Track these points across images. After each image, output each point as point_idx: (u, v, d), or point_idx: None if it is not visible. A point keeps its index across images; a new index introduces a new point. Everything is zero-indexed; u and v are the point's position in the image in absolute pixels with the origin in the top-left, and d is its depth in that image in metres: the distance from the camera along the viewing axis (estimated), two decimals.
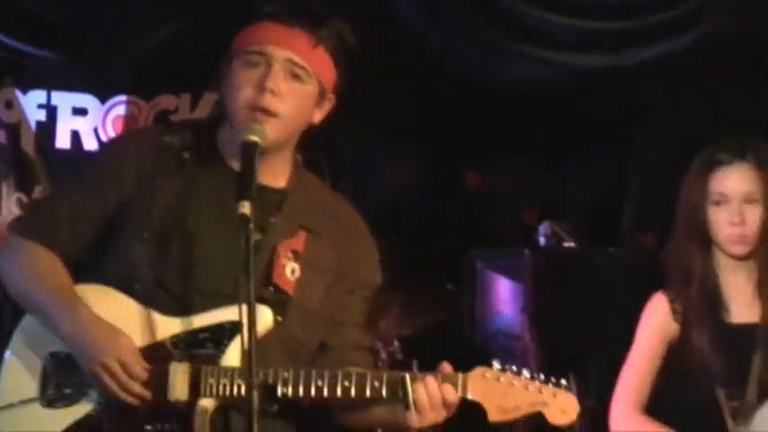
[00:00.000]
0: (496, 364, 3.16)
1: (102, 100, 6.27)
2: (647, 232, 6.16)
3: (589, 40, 5.98)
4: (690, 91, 6.36)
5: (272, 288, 3.17)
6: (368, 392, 3.13)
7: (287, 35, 3.20)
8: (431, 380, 3.11)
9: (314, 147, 5.33)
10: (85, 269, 3.29)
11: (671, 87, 6.36)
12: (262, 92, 3.14)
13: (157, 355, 3.13)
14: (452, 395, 3.11)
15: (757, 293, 4.18)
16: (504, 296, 6.00)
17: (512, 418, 3.17)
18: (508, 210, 6.60)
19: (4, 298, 3.37)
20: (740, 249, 4.17)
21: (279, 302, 3.19)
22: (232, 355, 3.11)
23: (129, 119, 6.21)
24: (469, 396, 3.13)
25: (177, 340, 3.16)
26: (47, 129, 6.25)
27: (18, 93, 6.22)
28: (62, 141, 6.24)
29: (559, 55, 5.99)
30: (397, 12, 5.95)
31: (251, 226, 2.89)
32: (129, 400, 3.10)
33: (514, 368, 3.17)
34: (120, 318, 3.17)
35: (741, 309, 4.21)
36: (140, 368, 3.10)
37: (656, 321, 4.26)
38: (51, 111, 6.25)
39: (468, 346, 6.00)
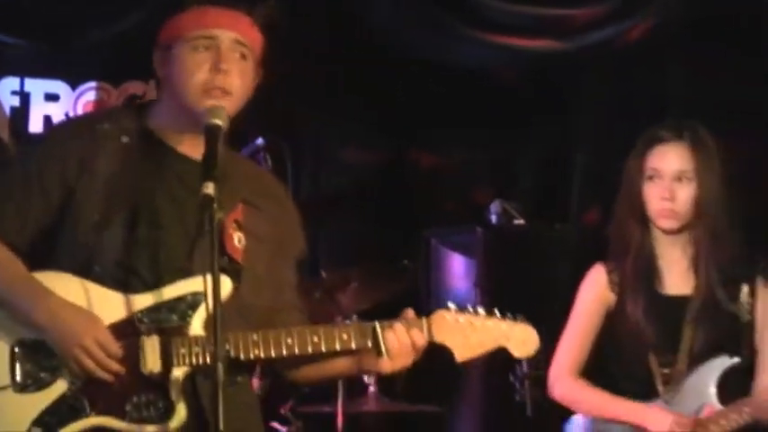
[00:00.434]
0: (452, 305, 3.23)
1: (73, 86, 6.27)
2: (591, 209, 6.20)
3: (536, 25, 6.09)
4: (631, 73, 6.40)
5: (226, 258, 3.20)
6: (337, 345, 3.21)
7: (231, 17, 3.26)
8: (399, 326, 3.18)
9: (275, 130, 5.33)
10: (33, 260, 3.27)
11: (613, 70, 6.41)
12: (217, 73, 3.19)
13: (125, 331, 3.16)
14: (421, 339, 3.19)
15: (691, 267, 4.26)
16: (458, 271, 6.07)
17: (477, 355, 3.24)
18: (461, 189, 6.58)
19: None
20: (669, 224, 4.24)
21: (233, 271, 3.22)
22: (196, 325, 3.16)
23: (98, 104, 6.22)
24: (435, 338, 3.21)
25: (143, 316, 3.19)
26: (20, 114, 6.24)
27: None
28: (35, 126, 6.23)
29: (508, 39, 6.10)
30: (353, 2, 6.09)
31: (215, 205, 2.93)
32: (107, 377, 3.14)
33: (470, 308, 3.25)
34: (83, 300, 3.19)
35: (675, 281, 4.29)
36: (115, 346, 3.13)
37: (594, 291, 4.33)
38: (25, 97, 6.25)
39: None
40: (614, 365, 4.32)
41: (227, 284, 3.15)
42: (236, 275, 3.21)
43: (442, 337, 3.22)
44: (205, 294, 2.98)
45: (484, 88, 6.45)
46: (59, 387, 3.17)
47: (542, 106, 6.58)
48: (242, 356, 3.18)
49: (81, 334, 3.12)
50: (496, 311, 3.25)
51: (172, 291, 3.19)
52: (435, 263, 6.25)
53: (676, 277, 4.29)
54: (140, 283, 3.20)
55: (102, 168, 3.24)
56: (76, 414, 3.15)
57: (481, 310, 3.24)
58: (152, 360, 3.14)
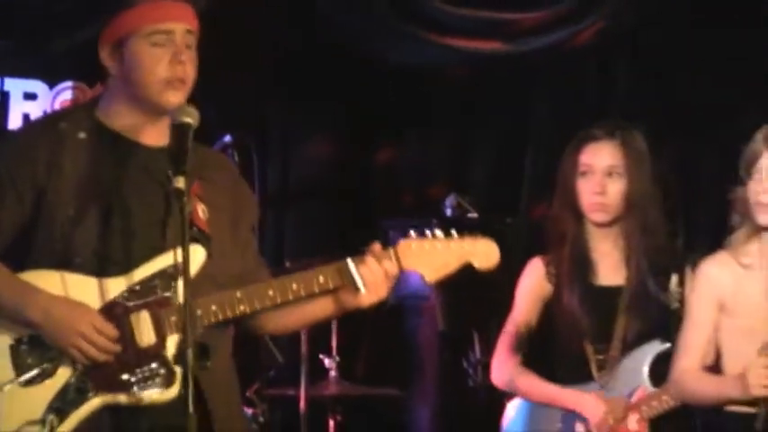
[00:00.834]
0: (413, 233, 3.32)
1: (51, 86, 6.28)
2: (541, 203, 6.06)
3: (486, 29, 6.09)
4: (578, 75, 6.44)
5: (195, 228, 3.23)
6: (316, 288, 3.28)
7: (181, 8, 3.29)
8: (370, 259, 3.27)
9: (242, 128, 5.48)
10: (11, 261, 3.28)
11: (562, 72, 6.41)
12: (177, 65, 3.24)
13: (114, 312, 3.22)
14: (392, 267, 3.28)
15: (623, 259, 4.33)
16: None
17: (444, 274, 3.32)
18: (418, 184, 6.61)
19: None
20: (601, 217, 4.31)
21: (203, 239, 3.27)
22: (181, 294, 3.17)
23: (74, 102, 6.17)
24: (403, 265, 3.29)
25: (128, 295, 3.23)
26: (0, 112, 6.24)
27: None
28: (14, 123, 6.21)
29: (460, 42, 6.11)
30: (315, 5, 6.09)
31: (185, 198, 3.01)
32: (109, 358, 3.20)
33: (428, 232, 3.34)
34: (69, 292, 3.23)
35: (608, 272, 4.36)
36: (110, 327, 3.19)
37: (533, 282, 4.43)
38: (4, 96, 6.26)
39: (384, 306, 6.27)
40: (552, 352, 4.40)
41: (200, 253, 3.24)
42: (206, 243, 3.27)
43: (409, 264, 3.29)
44: (182, 264, 3.01)
45: (440, 88, 6.50)
46: (63, 374, 3.23)
47: (494, 106, 6.59)
48: (229, 314, 3.24)
49: (76, 324, 3.17)
50: (453, 232, 3.33)
51: (151, 267, 3.25)
52: None
53: (609, 269, 4.36)
54: (120, 267, 3.24)
55: (69, 166, 3.27)
56: (84, 396, 3.21)
57: (439, 233, 3.33)
58: (146, 333, 3.21)
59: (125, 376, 3.21)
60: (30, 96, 6.30)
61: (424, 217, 6.20)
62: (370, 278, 3.28)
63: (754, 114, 4.05)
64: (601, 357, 4.31)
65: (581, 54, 6.32)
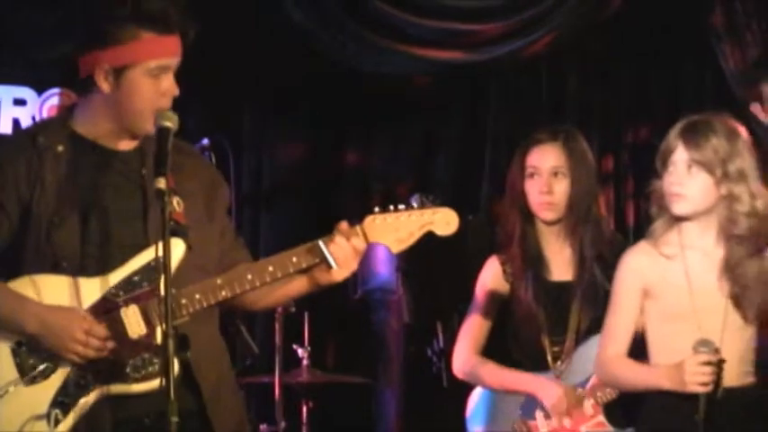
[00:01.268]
0: (376, 209, 3.38)
1: (39, 92, 6.35)
2: (498, 202, 5.77)
3: (448, 39, 6.18)
4: (534, 81, 6.56)
5: (172, 222, 3.25)
6: (291, 269, 3.35)
7: (176, 44, 3.35)
8: (339, 237, 3.34)
9: (219, 131, 5.59)
10: (3, 269, 3.36)
11: (518, 78, 6.54)
12: (169, 96, 3.33)
13: (105, 308, 3.30)
14: (360, 243, 3.35)
15: (572, 254, 4.44)
16: (382, 258, 6.15)
17: (409, 245, 3.38)
18: (385, 183, 6.63)
19: None
20: (548, 215, 4.42)
21: (181, 231, 3.32)
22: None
23: (61, 108, 6.12)
24: (371, 239, 3.36)
25: (116, 291, 3.31)
26: None
27: None
28: (5, 127, 6.28)
29: (424, 51, 6.20)
30: (289, 16, 6.13)
31: (166, 198, 3.07)
32: (105, 354, 3.27)
33: (392, 207, 3.40)
34: (61, 294, 3.30)
35: (559, 268, 4.48)
36: (101, 327, 3.26)
37: (490, 280, 4.52)
38: None
39: (352, 300, 6.27)
40: (511, 345, 4.50)
41: (180, 245, 3.30)
42: (184, 235, 3.33)
43: (375, 237, 3.36)
44: (164, 257, 3.05)
45: (406, 94, 6.59)
46: (63, 371, 3.30)
47: (456, 110, 6.68)
48: (212, 300, 3.31)
49: (69, 331, 3.24)
50: (414, 203, 3.39)
51: (136, 263, 3.32)
52: None
53: (561, 265, 4.47)
54: (106, 266, 3.32)
55: (49, 177, 3.34)
56: (84, 389, 3.29)
57: (402, 206, 3.39)
58: (136, 325, 3.29)
59: (121, 368, 3.29)
60: (19, 102, 6.35)
61: None
62: (340, 255, 3.33)
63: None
64: (556, 349, 4.41)
65: (534, 61, 6.41)
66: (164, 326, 3.05)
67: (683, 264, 3.79)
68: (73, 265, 3.32)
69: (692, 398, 3.66)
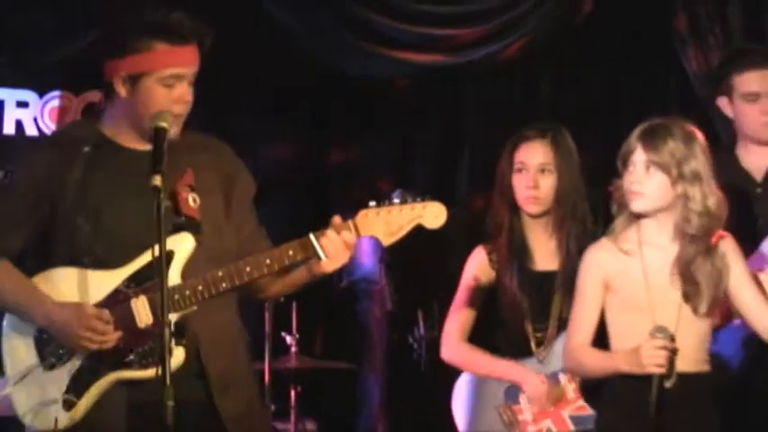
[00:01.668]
0: (372, 203, 3.45)
1: (41, 95, 6.44)
2: (477, 196, 6.35)
3: (427, 43, 6.29)
4: (509, 82, 6.69)
5: (183, 218, 3.40)
6: (286, 261, 3.41)
7: (193, 53, 3.45)
8: (330, 232, 3.41)
9: (206, 130, 5.64)
10: (32, 257, 3.53)
11: (495, 80, 6.66)
12: (183, 104, 3.45)
13: (117, 299, 3.42)
14: (351, 237, 3.41)
15: (556, 245, 4.47)
16: (366, 249, 6.22)
17: (399, 237, 3.45)
18: (368, 180, 6.71)
19: None
20: (534, 209, 4.45)
21: (193, 226, 3.42)
22: (173, 277, 3.37)
23: (62, 110, 6.37)
24: (362, 233, 3.43)
25: (128, 283, 3.42)
26: None
27: None
28: (8, 129, 6.39)
29: (404, 55, 6.31)
30: (275, 19, 6.21)
31: (161, 195, 3.15)
32: (111, 344, 3.39)
33: (386, 201, 3.46)
34: (78, 287, 3.42)
35: (543, 258, 4.50)
36: (105, 320, 3.37)
37: (477, 268, 4.52)
38: None
39: (338, 289, 6.37)
40: (496, 331, 4.53)
41: (189, 239, 3.41)
42: (196, 229, 3.43)
43: (366, 231, 3.42)
44: (167, 255, 3.17)
45: (388, 94, 6.67)
46: (77, 359, 3.44)
47: (434, 110, 6.78)
48: (213, 292, 3.38)
49: (75, 328, 3.37)
50: (396, 199, 3.44)
51: (146, 258, 3.41)
52: None
53: (545, 255, 4.50)
54: (122, 260, 3.45)
55: (76, 177, 3.46)
56: (96, 376, 3.41)
57: (396, 199, 3.45)
58: (144, 315, 3.40)
59: (129, 355, 3.41)
60: (22, 104, 6.43)
61: None
62: (330, 248, 3.40)
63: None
64: (539, 335, 4.43)
65: (509, 65, 6.50)
66: (174, 313, 3.22)
67: (641, 260, 3.87)
68: (93, 261, 3.44)
69: (648, 380, 3.75)
